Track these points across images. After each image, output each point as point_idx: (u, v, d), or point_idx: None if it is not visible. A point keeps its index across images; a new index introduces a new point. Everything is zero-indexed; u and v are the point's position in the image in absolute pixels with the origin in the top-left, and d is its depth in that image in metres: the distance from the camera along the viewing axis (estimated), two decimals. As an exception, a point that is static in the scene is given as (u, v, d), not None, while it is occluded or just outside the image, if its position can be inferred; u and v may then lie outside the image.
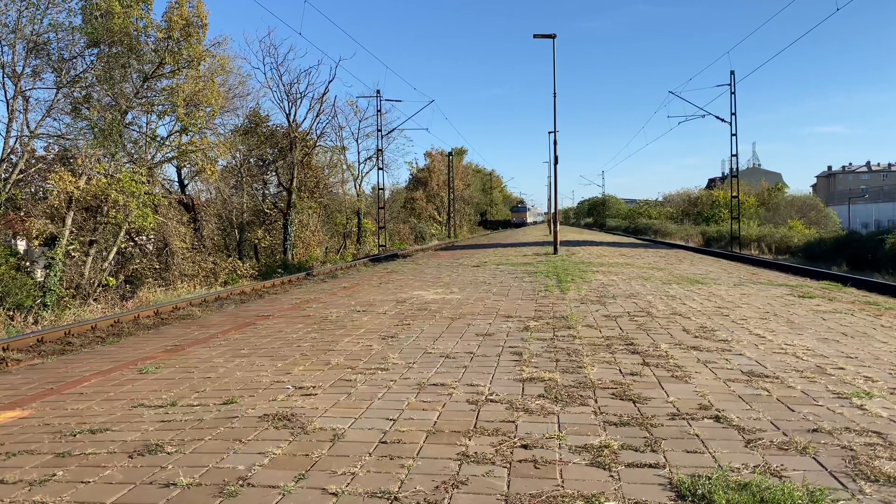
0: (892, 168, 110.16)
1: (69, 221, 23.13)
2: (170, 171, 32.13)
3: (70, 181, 21.46)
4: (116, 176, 23.03)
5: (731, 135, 34.90)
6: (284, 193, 34.88)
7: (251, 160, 35.35)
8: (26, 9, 21.58)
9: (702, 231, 49.73)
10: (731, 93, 34.82)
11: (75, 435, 3.93)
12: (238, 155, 33.81)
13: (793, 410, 4.13)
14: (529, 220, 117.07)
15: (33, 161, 23.95)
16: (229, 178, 33.94)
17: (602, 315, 8.23)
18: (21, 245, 25.05)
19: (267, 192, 37.03)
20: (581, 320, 7.81)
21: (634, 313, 8.35)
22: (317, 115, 37.14)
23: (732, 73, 34.94)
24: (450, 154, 70.18)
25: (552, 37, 22.30)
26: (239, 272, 27.64)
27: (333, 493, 2.97)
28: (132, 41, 24.15)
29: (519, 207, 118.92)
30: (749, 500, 2.75)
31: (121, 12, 23.33)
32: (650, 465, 3.24)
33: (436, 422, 4.00)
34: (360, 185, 47.46)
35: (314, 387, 4.91)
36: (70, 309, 18.31)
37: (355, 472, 3.22)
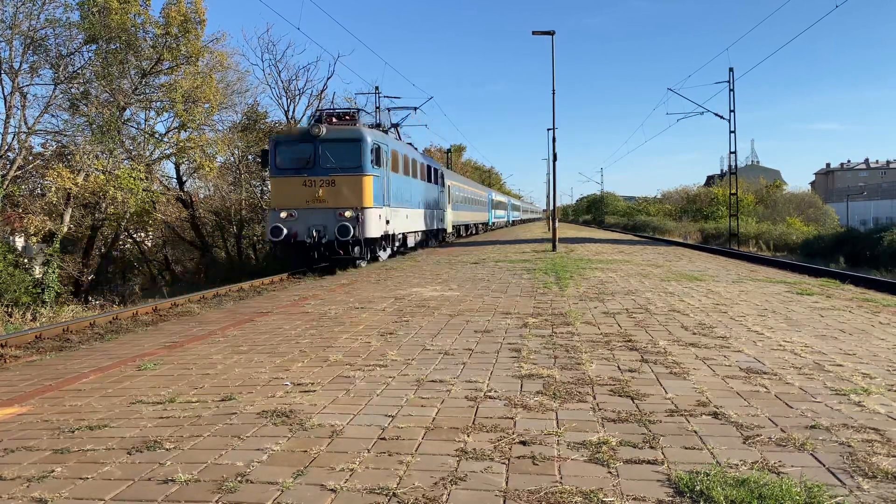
0: (891, 165, 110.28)
1: (67, 218, 23.10)
2: (168, 167, 32.13)
3: (68, 178, 21.43)
4: (115, 172, 23.01)
5: (730, 132, 34.92)
6: (283, 190, 34.74)
7: (249, 157, 35.31)
8: (23, 4, 21.53)
9: (700, 228, 49.80)
10: (730, 90, 34.84)
11: (74, 431, 3.92)
12: (236, 151, 33.77)
13: (791, 407, 4.14)
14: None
15: (31, 157, 23.91)
16: (227, 174, 33.90)
17: (601, 312, 8.23)
18: (19, 242, 25.02)
19: (265, 188, 37.00)
20: (580, 317, 7.81)
21: (633, 310, 8.36)
22: (315, 112, 37.08)
23: (731, 69, 34.98)
24: (448, 151, 70.09)
25: (551, 33, 22.25)
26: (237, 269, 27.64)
27: (332, 490, 2.97)
28: (130, 37, 24.12)
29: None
30: (747, 496, 2.76)
31: (118, 8, 23.28)
32: (648, 462, 3.25)
33: (434, 418, 4.00)
34: (357, 182, 47.12)
35: (313, 383, 4.91)
36: (68, 306, 18.31)
37: (354, 468, 3.22)
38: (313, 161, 16.68)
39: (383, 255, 19.07)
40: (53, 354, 7.77)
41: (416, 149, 26.42)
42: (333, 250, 16.41)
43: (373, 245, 17.57)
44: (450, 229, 32.54)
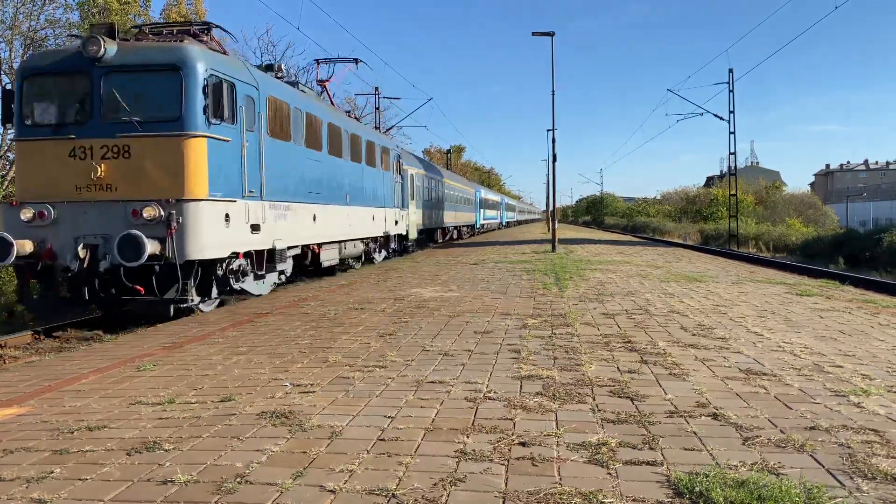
0: (891, 166, 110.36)
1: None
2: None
3: (68, 178, 21.39)
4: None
5: (730, 133, 34.94)
6: (282, 191, 34.54)
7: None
8: (23, 5, 21.57)
9: (700, 229, 49.83)
10: (730, 90, 34.88)
11: (73, 432, 3.92)
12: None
13: (790, 408, 4.14)
14: None
15: (31, 158, 23.88)
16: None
17: (600, 313, 8.23)
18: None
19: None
20: (579, 318, 7.81)
21: (632, 311, 8.36)
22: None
23: (731, 71, 35.03)
24: (448, 151, 70.16)
25: (551, 35, 22.28)
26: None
27: (331, 491, 2.97)
28: (130, 38, 24.09)
29: None
30: (747, 497, 2.75)
31: (118, 9, 23.32)
32: (648, 463, 3.25)
33: (434, 419, 4.00)
34: (356, 183, 46.94)
35: (312, 384, 4.91)
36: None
37: (353, 469, 3.22)
38: (89, 109, 8.87)
39: (254, 287, 11.05)
40: (52, 355, 7.77)
41: (357, 119, 18.54)
42: (124, 286, 8.66)
43: (215, 273, 9.58)
44: (414, 235, 24.15)
